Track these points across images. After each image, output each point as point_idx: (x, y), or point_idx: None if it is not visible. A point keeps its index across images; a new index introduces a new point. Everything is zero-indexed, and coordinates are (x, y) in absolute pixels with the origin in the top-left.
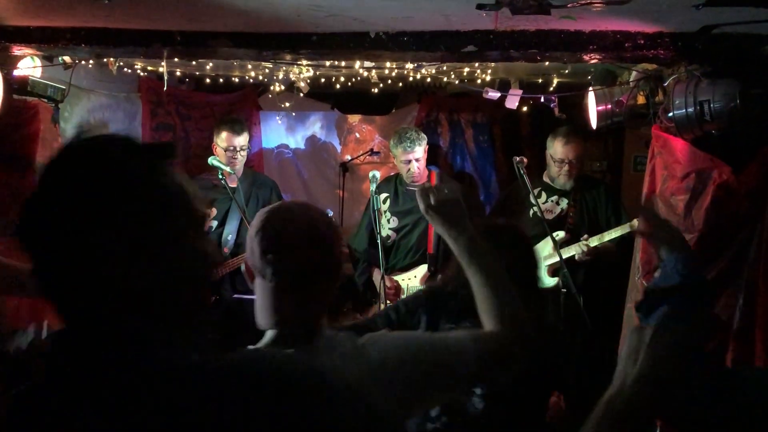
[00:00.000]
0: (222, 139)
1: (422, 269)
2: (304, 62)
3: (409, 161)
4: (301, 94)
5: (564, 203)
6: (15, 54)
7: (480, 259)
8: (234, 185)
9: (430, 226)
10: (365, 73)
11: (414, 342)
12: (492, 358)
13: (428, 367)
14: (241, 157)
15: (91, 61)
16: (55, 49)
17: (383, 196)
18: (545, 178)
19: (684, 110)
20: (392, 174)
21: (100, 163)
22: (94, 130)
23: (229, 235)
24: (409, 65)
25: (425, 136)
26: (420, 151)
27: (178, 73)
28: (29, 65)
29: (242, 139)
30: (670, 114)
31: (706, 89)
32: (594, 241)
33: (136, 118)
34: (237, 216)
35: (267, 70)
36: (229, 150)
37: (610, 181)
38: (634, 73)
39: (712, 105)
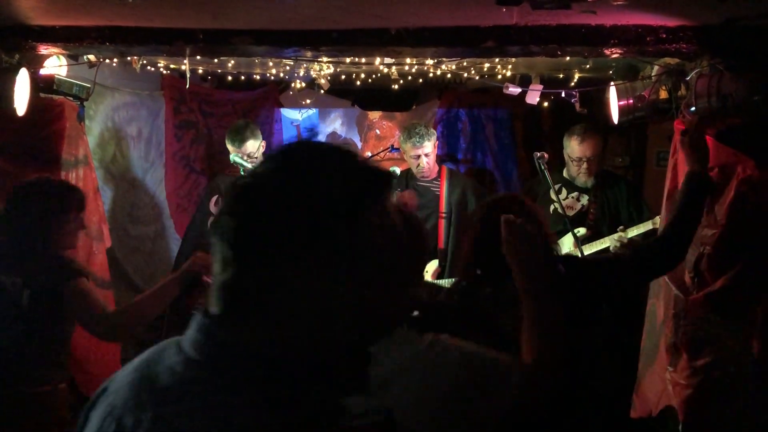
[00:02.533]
0: (235, 145)
1: (433, 264)
2: (325, 59)
3: (419, 156)
4: (321, 91)
5: (585, 199)
6: (41, 53)
7: (543, 298)
8: None
9: (441, 222)
10: (385, 70)
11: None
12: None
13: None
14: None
15: (115, 60)
16: (80, 47)
17: (395, 192)
18: (565, 175)
19: (707, 104)
20: (403, 170)
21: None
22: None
23: None
24: (429, 61)
25: (434, 131)
26: (429, 146)
27: (200, 71)
28: (55, 64)
29: (250, 146)
30: (693, 108)
31: (729, 83)
32: (632, 232)
33: (159, 116)
34: None
35: (288, 68)
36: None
37: (632, 177)
38: (656, 68)
39: (735, 99)
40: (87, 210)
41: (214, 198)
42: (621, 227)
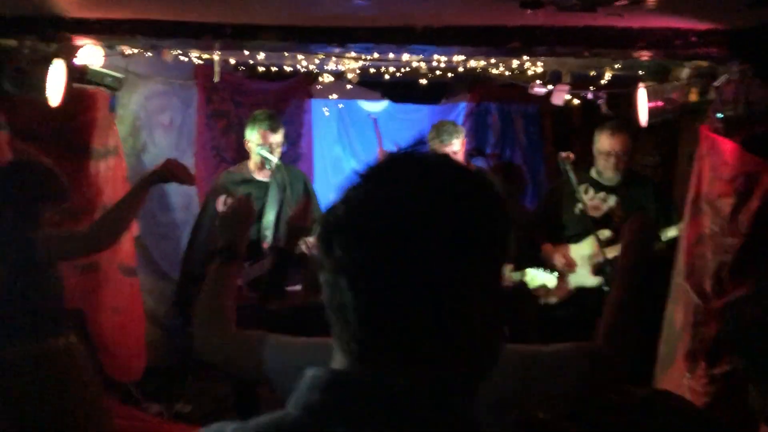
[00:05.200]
0: (257, 135)
1: None
2: (353, 53)
3: (446, 154)
4: (348, 86)
5: (612, 200)
6: (75, 44)
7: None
8: (266, 179)
9: None
10: (414, 64)
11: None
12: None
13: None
14: (277, 154)
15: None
16: (113, 40)
17: None
18: (593, 174)
19: (734, 110)
20: None
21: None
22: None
23: (267, 230)
24: (457, 57)
25: (462, 129)
26: (457, 143)
27: (232, 61)
28: (89, 54)
29: (279, 137)
30: (720, 114)
31: (757, 90)
32: (670, 232)
33: (191, 105)
34: (274, 210)
35: (317, 60)
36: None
37: (662, 176)
38: (686, 70)
39: (762, 106)
40: (115, 198)
41: (222, 198)
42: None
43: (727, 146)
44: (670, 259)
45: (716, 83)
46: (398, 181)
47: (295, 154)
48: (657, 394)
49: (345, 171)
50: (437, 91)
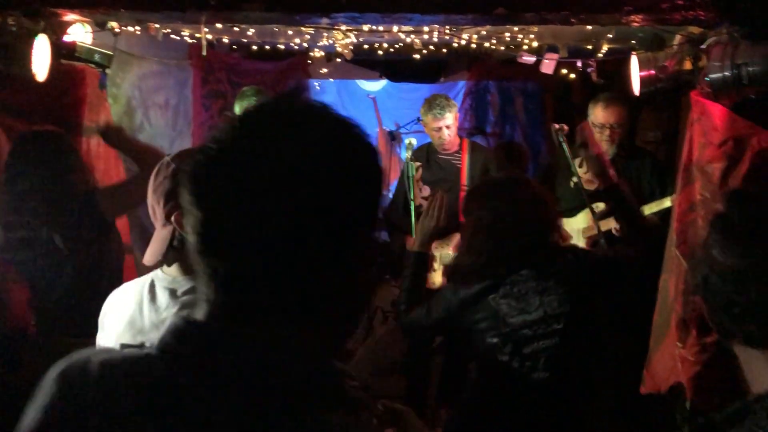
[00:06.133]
0: None
1: (454, 237)
2: (343, 27)
3: (440, 128)
4: (338, 60)
5: None
6: (64, 20)
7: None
8: None
9: (462, 195)
10: (408, 39)
11: None
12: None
13: None
14: None
15: (137, 28)
16: (96, 14)
17: (416, 164)
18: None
19: (721, 74)
20: (424, 143)
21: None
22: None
23: None
24: (448, 30)
25: (455, 103)
26: (450, 117)
27: (226, 40)
28: (79, 31)
29: None
30: (708, 78)
31: (744, 51)
32: (649, 209)
33: (187, 85)
34: None
35: (308, 37)
36: None
37: (664, 152)
38: (677, 37)
39: (750, 68)
40: (107, 175)
41: None
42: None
43: (717, 111)
44: (665, 231)
45: (703, 45)
46: (269, 127)
47: None
48: None
49: None
50: (436, 69)
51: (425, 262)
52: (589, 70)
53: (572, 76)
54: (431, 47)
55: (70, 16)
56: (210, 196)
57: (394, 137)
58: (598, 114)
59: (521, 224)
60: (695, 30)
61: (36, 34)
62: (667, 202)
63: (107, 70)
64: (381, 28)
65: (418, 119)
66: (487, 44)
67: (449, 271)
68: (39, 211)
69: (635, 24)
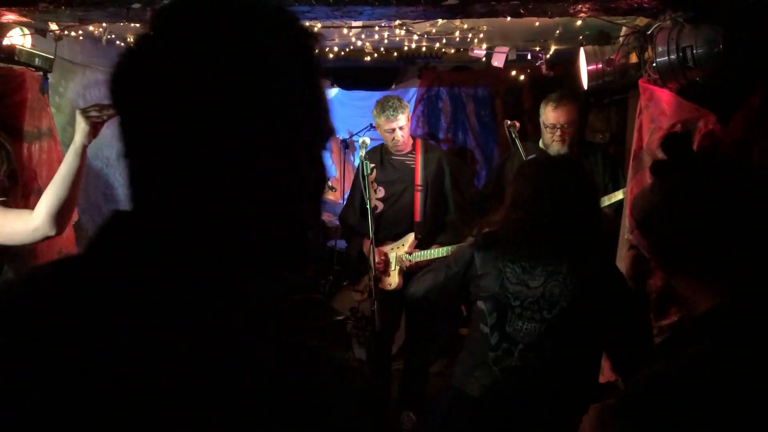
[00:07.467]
0: None
1: (409, 237)
2: None
3: (393, 130)
4: None
5: None
6: (3, 22)
7: None
8: None
9: (417, 194)
10: (358, 42)
11: None
12: None
13: None
14: None
15: (81, 33)
16: (36, 12)
17: (370, 166)
18: (541, 145)
19: (667, 58)
20: (377, 144)
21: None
22: None
23: None
24: (399, 31)
25: (407, 104)
26: (403, 119)
27: None
28: (19, 34)
29: None
30: (654, 63)
31: (688, 35)
32: (603, 203)
33: None
34: None
35: None
36: None
37: (613, 153)
38: (623, 29)
39: (695, 51)
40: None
41: None
42: None
43: (665, 96)
44: (618, 223)
45: (649, 32)
46: (182, 23)
47: None
48: None
49: None
50: (387, 77)
51: None
52: (538, 63)
53: (522, 77)
54: (382, 50)
55: (8, 17)
56: (127, 97)
57: (347, 145)
58: (549, 115)
59: (561, 206)
60: (641, 22)
61: None
62: (619, 195)
63: (49, 76)
64: (329, 23)
65: (371, 126)
66: (437, 45)
67: (479, 239)
68: None
69: (582, 15)
